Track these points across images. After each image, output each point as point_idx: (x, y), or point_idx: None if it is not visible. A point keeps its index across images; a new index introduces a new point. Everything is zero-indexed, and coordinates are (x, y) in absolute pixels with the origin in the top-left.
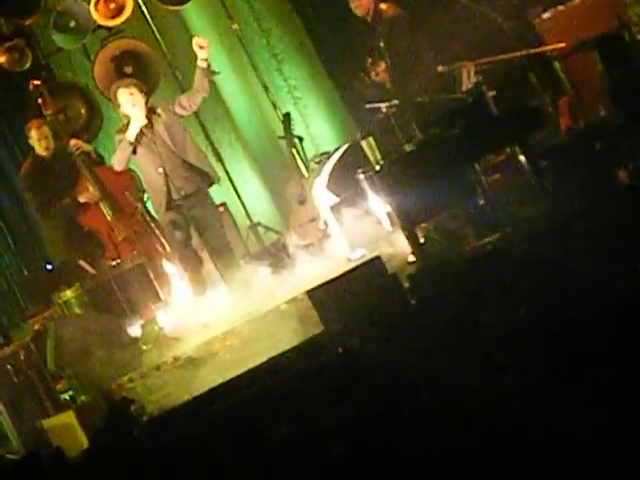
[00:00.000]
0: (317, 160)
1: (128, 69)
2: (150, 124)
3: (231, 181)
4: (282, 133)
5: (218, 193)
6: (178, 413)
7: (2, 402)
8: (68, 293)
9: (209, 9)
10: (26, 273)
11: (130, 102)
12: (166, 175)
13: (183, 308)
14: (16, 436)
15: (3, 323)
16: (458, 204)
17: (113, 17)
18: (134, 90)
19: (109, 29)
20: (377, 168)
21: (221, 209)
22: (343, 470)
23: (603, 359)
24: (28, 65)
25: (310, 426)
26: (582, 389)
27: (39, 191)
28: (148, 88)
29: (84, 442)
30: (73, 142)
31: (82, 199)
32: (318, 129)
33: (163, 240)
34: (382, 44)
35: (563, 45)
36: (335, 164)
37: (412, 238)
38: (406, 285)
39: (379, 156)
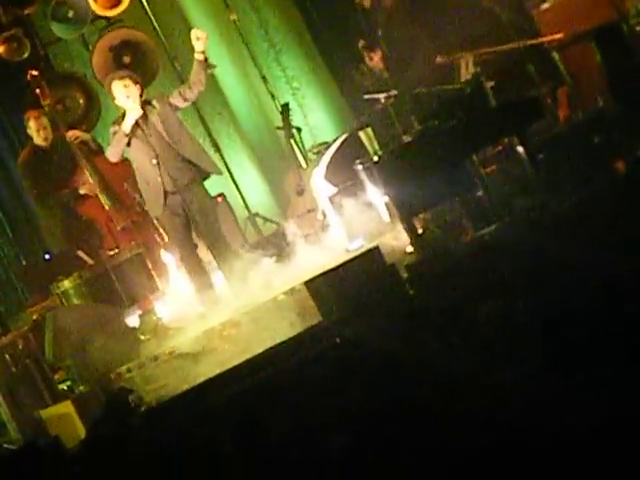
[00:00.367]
0: (315, 151)
1: (126, 59)
2: (145, 116)
3: (229, 172)
4: (280, 124)
5: (216, 184)
6: (176, 403)
7: (0, 392)
8: (66, 283)
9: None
10: (24, 263)
11: (124, 94)
12: (160, 166)
13: (181, 298)
14: (14, 426)
15: (1, 313)
16: (456, 195)
17: (111, 7)
18: (128, 82)
19: (107, 19)
20: (375, 159)
21: (219, 200)
22: (342, 460)
23: (600, 349)
24: (26, 55)
25: (308, 416)
26: (579, 379)
27: (37, 181)
28: (146, 78)
29: (82, 432)
30: (71, 132)
31: (82, 191)
32: (316, 120)
33: (161, 230)
34: (380, 32)
35: (561, 36)
36: (333, 155)
37: (410, 229)
38: (404, 276)
39: (377, 147)
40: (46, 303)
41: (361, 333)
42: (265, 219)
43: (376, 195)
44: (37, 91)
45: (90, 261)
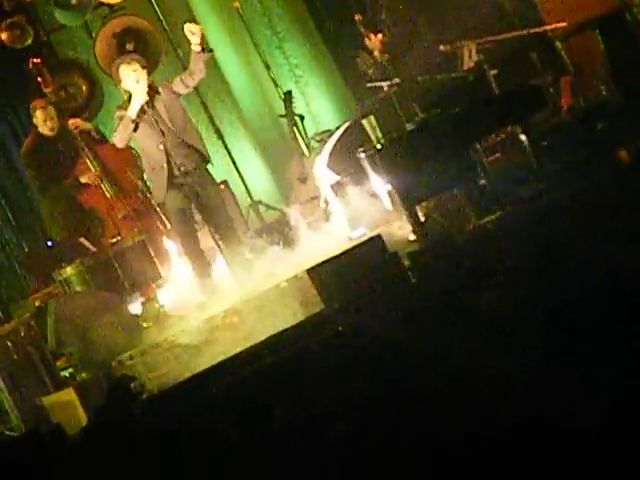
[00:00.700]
0: (318, 138)
1: (129, 46)
2: (151, 101)
3: (232, 159)
4: (283, 111)
5: (219, 171)
6: (178, 391)
7: (2, 379)
8: (69, 270)
9: None
10: (27, 250)
11: (133, 78)
12: (166, 152)
13: (183, 286)
14: (16, 413)
15: (3, 299)
16: (459, 183)
17: None
18: (137, 66)
19: (110, 6)
20: (378, 147)
21: (222, 187)
22: (344, 448)
23: (602, 339)
24: (29, 42)
25: (311, 404)
26: (581, 369)
27: (40, 169)
28: (149, 65)
29: (84, 419)
30: (72, 121)
31: (83, 180)
32: (319, 107)
33: (164, 217)
34: (384, 15)
35: (565, 25)
36: (336, 143)
37: (413, 217)
38: (406, 264)
39: (380, 135)
40: (48, 290)
41: (363, 321)
42: (268, 207)
43: (379, 183)
44: (39, 79)
45: (92, 248)
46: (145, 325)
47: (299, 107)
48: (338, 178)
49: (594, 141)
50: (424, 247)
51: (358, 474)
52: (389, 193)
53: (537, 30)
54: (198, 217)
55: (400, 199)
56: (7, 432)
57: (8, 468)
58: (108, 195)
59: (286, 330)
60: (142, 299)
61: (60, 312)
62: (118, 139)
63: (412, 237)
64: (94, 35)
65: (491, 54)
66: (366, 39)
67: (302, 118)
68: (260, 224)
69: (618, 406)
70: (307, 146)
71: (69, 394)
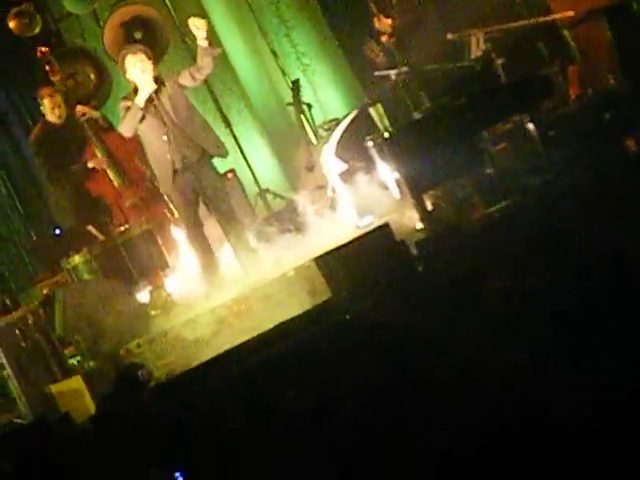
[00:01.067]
0: (326, 127)
1: (138, 35)
2: (157, 92)
3: (240, 148)
4: (291, 100)
5: (227, 160)
6: (186, 379)
7: (10, 367)
8: (77, 258)
9: None
10: (35, 238)
11: (139, 68)
12: (170, 143)
13: (191, 274)
14: (24, 401)
15: (12, 288)
16: (466, 172)
17: None
18: (143, 56)
19: None
20: (386, 135)
21: (230, 175)
22: (351, 435)
23: (609, 330)
24: (38, 30)
25: (318, 392)
26: (586, 359)
27: (48, 157)
28: (157, 54)
29: (92, 407)
30: (79, 108)
31: (90, 164)
32: (327, 96)
33: (171, 206)
34: (394, 1)
35: (572, 13)
36: (344, 131)
37: (420, 206)
38: (414, 252)
39: (388, 123)
40: (56, 278)
41: (370, 309)
42: (275, 195)
43: (386, 172)
44: (47, 67)
45: (100, 237)
46: (153, 313)
47: (306, 95)
48: (346, 166)
49: (601, 130)
50: (431, 236)
51: (365, 459)
52: (397, 182)
53: (545, 19)
54: (204, 207)
55: (408, 188)
56: (15, 420)
57: (16, 455)
58: (116, 183)
59: (293, 318)
60: (150, 287)
61: (68, 300)
62: (125, 128)
63: (419, 226)
64: (102, 23)
65: (499, 43)
66: (375, 20)
67: (310, 106)
68: (268, 212)
69: (623, 396)
70: (315, 134)
71: (77, 382)
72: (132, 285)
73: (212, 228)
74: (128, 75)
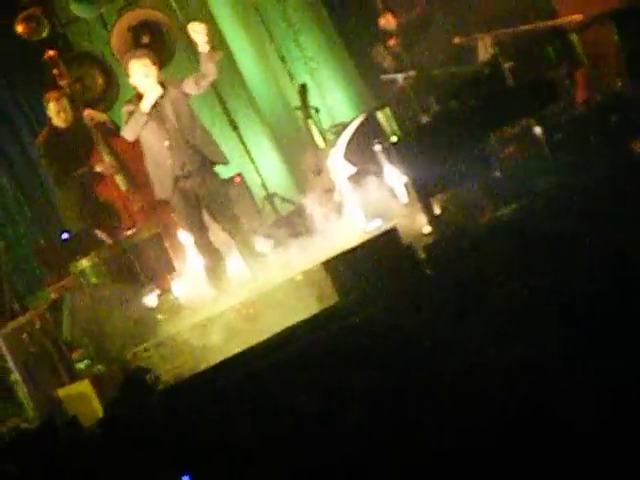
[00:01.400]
0: (333, 131)
1: (145, 39)
2: (161, 97)
3: (247, 152)
4: (298, 104)
5: (234, 164)
6: (193, 383)
7: (18, 371)
8: (84, 262)
9: None
10: (42, 242)
11: (144, 73)
12: (171, 149)
13: (198, 278)
14: (32, 405)
15: (19, 291)
16: (474, 176)
17: None
18: (147, 61)
19: None
20: (393, 139)
21: (238, 179)
22: (358, 438)
23: (617, 332)
24: (45, 34)
25: (325, 396)
26: (594, 362)
27: (55, 161)
28: (164, 58)
29: (99, 411)
30: (87, 112)
31: (97, 168)
32: (334, 100)
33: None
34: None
35: (580, 17)
36: (351, 135)
37: (428, 209)
38: (422, 256)
39: (395, 127)
40: (64, 282)
41: (378, 313)
42: (283, 199)
43: (394, 175)
44: (55, 71)
45: (108, 240)
46: (160, 317)
47: (314, 99)
48: (354, 170)
49: (609, 134)
50: (439, 239)
51: (373, 462)
52: (404, 185)
53: (552, 23)
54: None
55: (415, 191)
56: (23, 424)
57: (24, 459)
58: (123, 187)
59: (301, 322)
60: (157, 291)
61: (76, 304)
62: (129, 133)
63: (427, 229)
64: (110, 28)
65: (506, 47)
66: (381, 19)
67: (317, 110)
68: (275, 216)
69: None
70: (322, 138)
71: (85, 386)
72: (140, 289)
73: (219, 232)
74: (132, 80)
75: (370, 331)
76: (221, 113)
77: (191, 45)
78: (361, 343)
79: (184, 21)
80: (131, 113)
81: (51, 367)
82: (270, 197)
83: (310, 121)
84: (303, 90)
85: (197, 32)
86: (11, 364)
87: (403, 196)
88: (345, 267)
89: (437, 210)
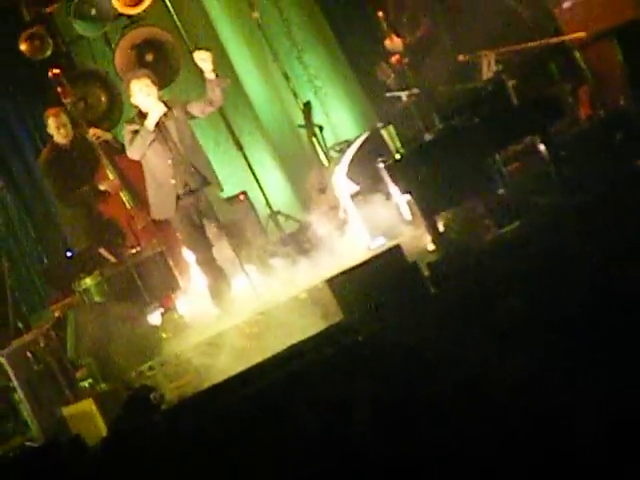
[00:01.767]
0: (337, 149)
1: (149, 57)
2: (164, 117)
3: (251, 170)
4: (302, 122)
5: (239, 182)
6: (198, 401)
7: (22, 389)
8: (88, 281)
9: None
10: (46, 261)
11: (145, 93)
12: (174, 168)
13: (202, 296)
14: (36, 424)
15: (23, 310)
16: (478, 193)
17: (134, 5)
18: (147, 81)
19: (130, 17)
20: (397, 157)
21: (242, 197)
22: (362, 455)
23: (620, 348)
24: (49, 53)
25: (330, 414)
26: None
27: (58, 179)
28: (168, 76)
29: (103, 430)
30: (92, 131)
31: (101, 187)
32: (338, 118)
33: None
34: (405, 19)
35: (583, 35)
36: (355, 153)
37: (432, 227)
38: (426, 274)
39: (399, 145)
40: (68, 301)
41: (382, 331)
42: (287, 217)
43: (398, 193)
44: (58, 89)
45: (112, 259)
46: (164, 336)
47: (318, 117)
48: (357, 188)
49: (612, 151)
50: (443, 257)
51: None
52: (408, 203)
53: (556, 40)
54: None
55: (419, 209)
56: (27, 442)
57: (28, 478)
58: (127, 205)
59: (306, 340)
60: (161, 310)
61: (80, 323)
62: (135, 152)
63: (431, 247)
64: (114, 46)
65: (510, 64)
66: (387, 40)
67: (321, 128)
68: (279, 234)
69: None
70: (326, 156)
71: (89, 405)
72: (144, 307)
73: (222, 250)
74: (133, 100)
75: (375, 349)
76: (226, 132)
77: (194, 63)
78: (366, 361)
79: (188, 39)
80: (135, 132)
81: (55, 386)
82: (274, 215)
83: (314, 139)
84: (307, 108)
85: (203, 60)
86: (15, 383)
87: (407, 214)
88: (349, 285)
89: (441, 227)
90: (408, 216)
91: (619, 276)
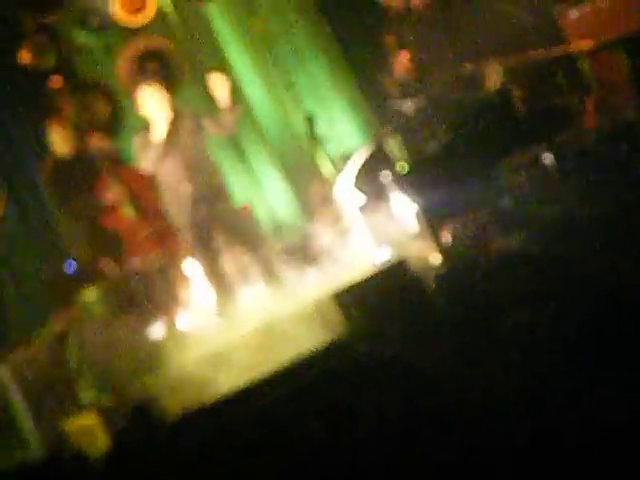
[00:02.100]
0: (341, 159)
1: (152, 68)
2: (176, 125)
3: (256, 181)
4: (306, 133)
5: (242, 192)
6: (201, 415)
7: (23, 403)
8: (90, 293)
9: (232, 7)
10: (48, 273)
11: (152, 102)
12: (187, 177)
13: (206, 309)
14: (37, 437)
15: (25, 323)
16: (484, 204)
17: (137, 15)
18: (156, 89)
19: (133, 28)
20: (402, 168)
21: (246, 208)
22: (366, 471)
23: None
24: (51, 63)
25: (334, 428)
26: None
27: (60, 190)
28: (171, 88)
29: (105, 444)
30: (94, 142)
31: (104, 198)
32: (342, 128)
33: (185, 239)
34: (410, 36)
35: (590, 44)
36: (359, 164)
37: (437, 238)
38: (432, 286)
39: (404, 155)
40: (70, 314)
41: (388, 344)
42: (290, 228)
43: (403, 204)
44: (60, 100)
45: (114, 271)
46: (167, 348)
47: (322, 128)
48: (362, 199)
49: (619, 161)
50: (449, 269)
51: None
52: (414, 214)
53: (562, 50)
54: (220, 239)
55: (425, 220)
56: (28, 456)
57: None
58: (130, 217)
59: (310, 354)
60: (164, 322)
61: (81, 336)
62: (148, 162)
63: (437, 259)
64: (116, 57)
65: (516, 74)
66: (392, 52)
67: (325, 139)
68: (283, 246)
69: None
70: (330, 167)
71: (90, 418)
72: (146, 320)
73: (231, 260)
74: (142, 108)
75: (380, 363)
76: (229, 143)
77: (197, 74)
78: (371, 375)
79: (190, 48)
80: (145, 143)
81: (57, 399)
82: (278, 226)
83: (318, 150)
84: (310, 119)
85: (219, 86)
86: (16, 396)
87: (412, 225)
88: (354, 298)
89: (447, 239)
90: (414, 228)
91: (627, 290)
